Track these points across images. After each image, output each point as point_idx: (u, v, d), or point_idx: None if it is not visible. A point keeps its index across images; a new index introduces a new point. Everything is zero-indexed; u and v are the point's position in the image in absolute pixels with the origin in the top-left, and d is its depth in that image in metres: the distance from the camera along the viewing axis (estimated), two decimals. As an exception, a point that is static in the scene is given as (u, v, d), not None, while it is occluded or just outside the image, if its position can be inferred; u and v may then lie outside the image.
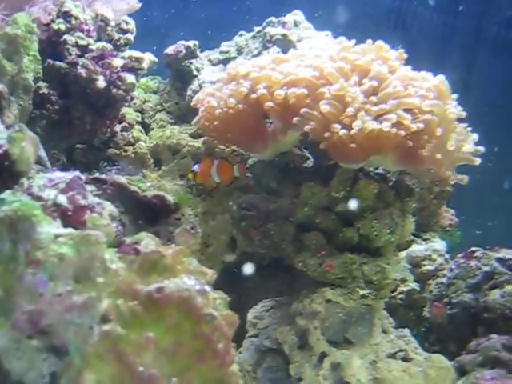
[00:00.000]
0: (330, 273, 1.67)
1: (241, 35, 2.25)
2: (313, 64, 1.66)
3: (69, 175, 1.39)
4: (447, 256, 2.21)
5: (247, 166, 1.94)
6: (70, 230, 1.16)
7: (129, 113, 2.12)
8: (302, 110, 1.59)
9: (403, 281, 1.63)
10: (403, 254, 2.28)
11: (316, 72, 1.62)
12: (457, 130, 1.58)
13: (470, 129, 1.64)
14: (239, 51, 2.18)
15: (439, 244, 2.27)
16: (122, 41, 1.98)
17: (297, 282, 1.90)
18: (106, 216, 1.35)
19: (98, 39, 1.95)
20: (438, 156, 1.56)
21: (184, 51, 2.13)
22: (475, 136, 1.64)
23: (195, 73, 2.12)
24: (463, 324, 1.88)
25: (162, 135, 2.09)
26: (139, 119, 2.16)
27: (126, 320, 1.13)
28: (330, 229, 1.73)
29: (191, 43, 2.15)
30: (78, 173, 1.41)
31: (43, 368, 1.17)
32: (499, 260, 1.91)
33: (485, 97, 3.34)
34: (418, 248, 2.25)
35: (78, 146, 2.08)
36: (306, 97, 1.60)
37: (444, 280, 2.02)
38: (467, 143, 1.61)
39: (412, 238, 2.40)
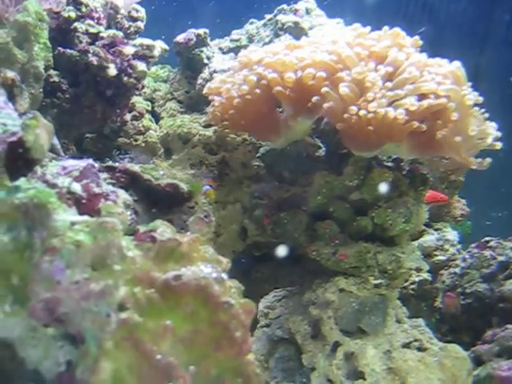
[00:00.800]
0: (343, 262, 1.66)
1: (251, 23, 2.23)
2: (329, 49, 1.64)
3: (82, 163, 1.38)
4: (459, 246, 2.20)
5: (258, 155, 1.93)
6: (86, 218, 1.15)
7: (139, 102, 2.10)
8: (323, 89, 1.56)
9: (419, 270, 1.62)
10: (415, 243, 2.27)
11: (333, 56, 1.60)
12: (475, 115, 1.56)
13: (487, 114, 1.62)
14: (250, 39, 2.16)
15: (451, 234, 2.26)
16: (132, 29, 1.96)
17: (307, 272, 1.89)
18: (121, 204, 1.34)
19: (108, 27, 1.93)
20: (458, 139, 1.54)
21: (195, 39, 2.11)
22: (493, 124, 1.63)
23: (206, 61, 2.10)
24: (477, 314, 1.87)
25: (173, 124, 2.07)
26: (149, 108, 2.15)
27: (143, 308, 1.12)
28: (343, 218, 1.71)
29: (202, 31, 2.13)
30: (91, 161, 1.39)
31: (59, 356, 1.15)
32: (514, 250, 1.90)
33: (497, 85, 3.32)
34: (429, 238, 2.24)
35: (87, 135, 2.06)
36: (324, 80, 1.58)
37: (457, 270, 2.01)
38: (488, 129, 1.59)
39: (424, 227, 2.39)
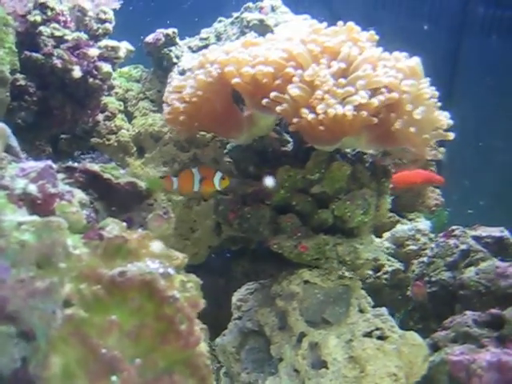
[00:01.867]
0: (305, 254, 1.69)
1: (220, 21, 2.26)
2: (283, 47, 1.67)
3: (40, 164, 1.42)
4: (432, 236, 2.23)
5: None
6: (33, 218, 1.19)
7: (111, 102, 2.14)
8: (272, 94, 1.60)
9: (376, 260, 1.65)
10: (387, 234, 2.30)
11: (285, 54, 1.63)
12: (428, 105, 1.59)
13: (439, 104, 1.65)
14: (218, 37, 2.19)
15: (423, 224, 2.29)
16: (100, 31, 2.00)
17: (285, 265, 1.92)
18: (76, 203, 1.38)
19: (77, 29, 1.97)
20: (412, 129, 1.57)
21: (163, 39, 2.14)
22: (446, 113, 1.65)
23: (175, 60, 2.13)
24: (442, 302, 1.90)
25: (145, 123, 2.12)
26: (122, 108, 2.19)
27: (89, 304, 1.16)
28: (306, 211, 1.75)
29: (170, 31, 2.16)
30: (49, 162, 1.44)
31: (14, 353, 1.20)
32: (475, 238, 1.93)
33: (474, 77, 3.33)
34: (401, 228, 2.26)
35: (62, 136, 2.11)
36: (273, 75, 1.61)
37: (425, 259, 2.03)
38: (440, 118, 1.62)
39: (397, 218, 2.42)
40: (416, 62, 1.65)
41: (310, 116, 1.56)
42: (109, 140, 2.08)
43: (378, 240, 2.29)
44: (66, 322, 1.13)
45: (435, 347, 1.67)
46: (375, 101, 1.56)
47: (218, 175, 1.80)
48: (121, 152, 2.09)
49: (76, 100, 1.91)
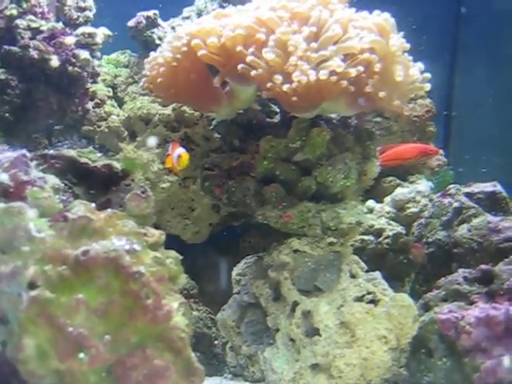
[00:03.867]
0: (290, 223, 1.69)
1: (200, -2, 2.25)
2: (253, 15, 1.65)
3: (14, 154, 1.46)
4: (433, 196, 2.18)
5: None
6: (-4, 205, 1.22)
7: (100, 89, 2.16)
8: (248, 58, 1.58)
9: (359, 223, 1.62)
10: (388, 198, 2.27)
11: (255, 20, 1.61)
12: (400, 61, 1.55)
13: (411, 58, 1.61)
14: (199, 15, 2.18)
15: (423, 185, 2.24)
16: (80, 19, 2.02)
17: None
18: (48, 189, 1.40)
19: (57, 20, 1.99)
20: (381, 94, 1.54)
21: (144, 21, 2.14)
22: (420, 65, 1.61)
23: (158, 42, 2.14)
24: (440, 262, 1.87)
25: (133, 107, 2.12)
26: (111, 94, 2.21)
27: (55, 284, 1.18)
28: (290, 179, 1.73)
29: (151, 13, 2.16)
30: (24, 151, 1.47)
31: (-6, 338, 1.23)
32: (467, 195, 1.88)
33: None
34: (400, 191, 2.23)
35: (56, 127, 2.14)
36: (243, 41, 1.59)
37: (423, 220, 2.00)
38: (413, 72, 1.58)
39: (398, 182, 2.38)
40: (384, 17, 1.61)
41: (285, 86, 1.54)
42: (99, 127, 2.11)
43: (378, 205, 2.27)
44: (32, 304, 1.15)
45: (426, 307, 1.65)
46: (353, 70, 1.53)
47: (177, 152, 1.73)
48: (113, 137, 2.11)
49: (61, 90, 1.93)
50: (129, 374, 1.19)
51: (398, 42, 1.58)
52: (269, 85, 1.58)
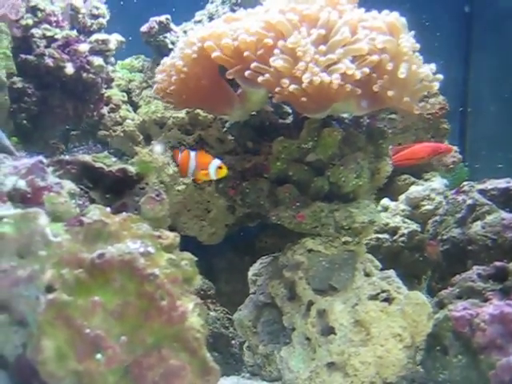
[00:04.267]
0: (303, 223, 1.70)
1: (212, 2, 2.27)
2: (262, 18, 1.66)
3: (31, 160, 1.49)
4: (448, 194, 2.18)
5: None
6: (14, 211, 1.25)
7: (114, 94, 2.20)
8: (253, 65, 1.60)
9: (372, 222, 1.63)
10: (402, 196, 2.27)
11: (264, 24, 1.62)
12: (409, 60, 1.56)
13: (421, 57, 1.61)
14: (211, 18, 2.20)
15: (437, 182, 2.24)
16: (94, 26, 2.05)
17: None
18: (65, 194, 1.43)
19: (72, 28, 2.03)
20: (390, 93, 1.55)
21: (157, 26, 2.17)
22: (432, 66, 1.62)
23: (171, 46, 2.16)
24: (455, 259, 1.87)
25: (148, 111, 2.16)
26: (125, 99, 2.24)
27: (72, 287, 1.21)
28: (303, 180, 1.75)
29: (163, 18, 2.19)
30: (40, 157, 1.50)
31: (16, 340, 1.27)
32: (481, 191, 1.88)
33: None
34: (415, 189, 2.23)
35: (72, 132, 2.18)
36: (254, 46, 1.61)
37: (437, 218, 2.00)
38: (421, 70, 1.59)
39: (413, 179, 2.38)
40: (395, 17, 1.61)
41: (292, 86, 1.56)
42: (115, 131, 2.14)
43: (393, 203, 2.27)
44: (50, 307, 1.18)
45: (441, 305, 1.65)
46: (358, 73, 1.54)
47: (214, 164, 1.73)
48: (128, 142, 2.15)
49: (76, 96, 1.97)
50: (145, 373, 1.21)
51: (408, 42, 1.58)
52: (277, 89, 1.60)
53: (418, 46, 1.62)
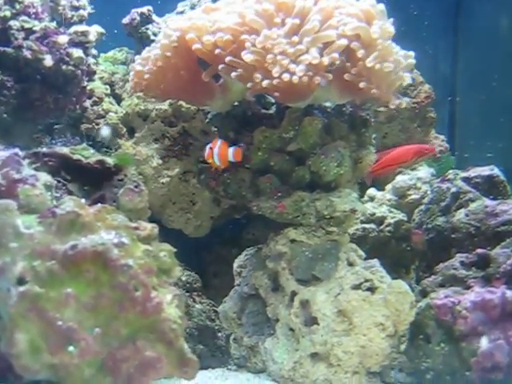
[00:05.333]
0: (284, 213, 1.69)
1: (194, -8, 2.25)
2: (239, 10, 1.64)
3: (6, 153, 1.47)
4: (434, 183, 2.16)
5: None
6: (-17, 204, 1.24)
7: (97, 87, 2.18)
8: (227, 59, 1.59)
9: (353, 211, 1.61)
10: (389, 186, 2.26)
11: (240, 19, 1.61)
12: (380, 48, 1.53)
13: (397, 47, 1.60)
14: (193, 8, 2.18)
15: (424, 172, 2.22)
16: (75, 18, 2.03)
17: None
18: (40, 186, 1.42)
19: (52, 19, 2.00)
20: (362, 84, 1.54)
21: (138, 18, 2.16)
22: (411, 53, 1.60)
23: (153, 37, 2.14)
24: (440, 248, 1.85)
25: (131, 103, 2.14)
26: (108, 92, 2.22)
27: (44, 279, 1.19)
28: (284, 170, 1.73)
29: (145, 9, 2.17)
30: (16, 150, 1.49)
31: (-11, 333, 1.25)
32: (465, 179, 1.86)
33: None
34: (401, 178, 2.21)
35: (56, 126, 2.16)
36: (231, 43, 1.59)
37: (423, 207, 1.98)
38: (389, 61, 1.57)
39: (400, 169, 2.36)
40: (370, 3, 1.59)
41: (265, 82, 1.54)
42: (98, 124, 2.12)
43: (379, 193, 2.26)
44: (21, 299, 1.17)
45: (424, 293, 1.64)
46: (326, 59, 1.52)
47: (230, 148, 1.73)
48: (112, 134, 2.13)
49: (57, 89, 1.95)
50: (120, 365, 1.20)
51: (379, 29, 1.56)
52: (249, 84, 1.59)
53: (391, 31, 1.59)
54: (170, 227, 2.26)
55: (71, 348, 1.15)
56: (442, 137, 2.51)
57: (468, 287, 1.53)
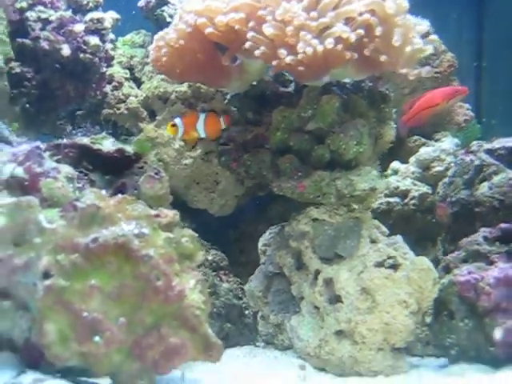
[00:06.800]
0: (305, 193, 1.69)
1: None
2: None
3: (28, 147, 1.50)
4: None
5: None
6: (8, 201, 1.27)
7: (116, 71, 2.19)
8: (249, 34, 1.58)
9: (373, 189, 1.60)
10: (412, 159, 2.23)
11: (254, -3, 1.59)
12: (399, 24, 1.51)
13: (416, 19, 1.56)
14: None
15: (447, 143, 2.19)
16: (91, 4, 2.03)
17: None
18: (62, 178, 1.45)
19: (68, 7, 2.01)
20: (382, 58, 1.51)
21: (153, 0, 2.15)
22: (425, 24, 1.57)
23: (169, 19, 2.14)
24: (465, 222, 1.83)
25: (150, 86, 2.15)
26: (128, 76, 2.23)
27: (68, 272, 1.23)
28: (304, 149, 1.73)
29: (159, -9, 2.17)
30: (38, 143, 1.51)
31: (22, 324, 1.30)
32: (488, 151, 1.83)
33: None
34: (424, 151, 2.18)
35: (77, 113, 2.19)
36: (245, 21, 1.58)
37: (447, 179, 1.96)
38: (413, 36, 1.54)
39: (423, 140, 2.33)
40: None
41: (288, 58, 1.53)
42: (119, 109, 2.14)
43: (403, 166, 2.24)
44: (47, 292, 1.20)
45: (447, 269, 1.63)
46: (352, 35, 1.50)
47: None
48: (132, 118, 2.14)
49: (76, 77, 1.97)
50: (145, 353, 1.23)
51: (394, 4, 1.53)
52: (274, 62, 1.57)
53: (405, 6, 1.56)
54: (195, 207, 2.28)
55: (97, 338, 1.19)
56: (467, 105, 2.46)
57: (491, 263, 1.51)
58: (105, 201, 1.33)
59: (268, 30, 1.55)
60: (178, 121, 1.82)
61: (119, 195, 1.37)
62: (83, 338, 1.20)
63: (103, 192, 1.38)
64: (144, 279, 1.24)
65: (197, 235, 1.50)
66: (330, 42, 1.49)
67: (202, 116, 1.84)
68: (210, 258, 2.13)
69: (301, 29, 1.52)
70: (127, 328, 1.23)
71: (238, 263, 2.41)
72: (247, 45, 1.60)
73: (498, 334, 1.39)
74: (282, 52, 1.54)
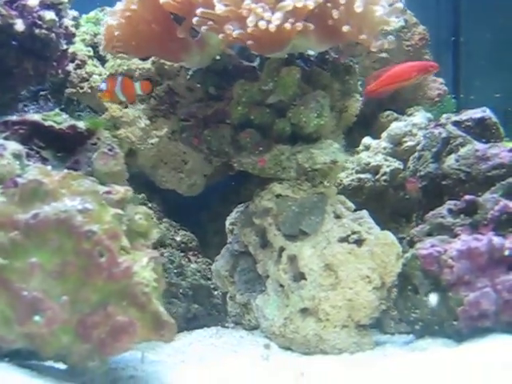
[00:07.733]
0: (266, 168, 1.64)
1: None
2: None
3: (-26, 125, 1.45)
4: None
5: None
6: None
7: (79, 49, 2.13)
8: (198, 11, 1.53)
9: (334, 162, 1.55)
10: (384, 134, 2.18)
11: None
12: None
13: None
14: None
15: (419, 117, 2.13)
16: (51, -21, 1.96)
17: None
18: (8, 156, 1.39)
19: (26, -18, 1.94)
20: (345, 28, 1.46)
21: (115, -25, 2.08)
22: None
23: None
24: (433, 195, 1.78)
25: (114, 64, 2.09)
26: (92, 54, 2.17)
27: (8, 250, 1.18)
28: (265, 123, 1.68)
29: (121, -36, 2.09)
30: (-17, 121, 1.46)
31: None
32: (455, 123, 1.78)
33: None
34: (396, 125, 2.12)
35: (41, 92, 2.13)
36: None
37: (416, 154, 1.91)
38: (378, 5, 1.48)
39: (395, 115, 2.28)
40: None
41: (236, 32, 1.48)
42: (82, 88, 2.08)
43: (375, 141, 2.19)
44: (-15, 271, 1.16)
45: (411, 243, 1.58)
46: (311, 3, 1.45)
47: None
48: (96, 97, 2.08)
49: (35, 54, 1.90)
50: (90, 332, 1.19)
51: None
52: (220, 36, 1.52)
53: None
54: (163, 188, 2.23)
55: (37, 318, 1.14)
56: (441, 80, 2.41)
57: (455, 235, 1.47)
58: (49, 176, 1.28)
59: (219, 7, 1.50)
60: (103, 85, 1.85)
61: (64, 170, 1.32)
62: (23, 318, 1.16)
63: (48, 168, 1.33)
64: (86, 256, 1.19)
65: (152, 212, 1.45)
66: (277, 17, 1.44)
67: (119, 79, 1.85)
68: (178, 238, 2.09)
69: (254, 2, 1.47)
70: (71, 307, 1.19)
71: (211, 244, 2.36)
72: (194, 20, 1.55)
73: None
74: (228, 27, 1.49)
